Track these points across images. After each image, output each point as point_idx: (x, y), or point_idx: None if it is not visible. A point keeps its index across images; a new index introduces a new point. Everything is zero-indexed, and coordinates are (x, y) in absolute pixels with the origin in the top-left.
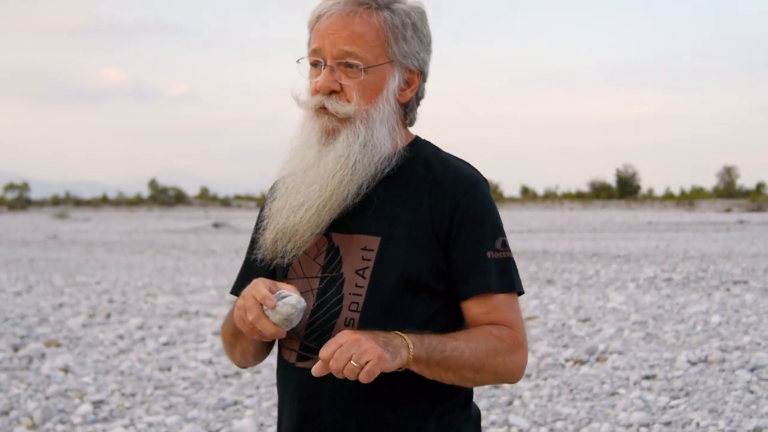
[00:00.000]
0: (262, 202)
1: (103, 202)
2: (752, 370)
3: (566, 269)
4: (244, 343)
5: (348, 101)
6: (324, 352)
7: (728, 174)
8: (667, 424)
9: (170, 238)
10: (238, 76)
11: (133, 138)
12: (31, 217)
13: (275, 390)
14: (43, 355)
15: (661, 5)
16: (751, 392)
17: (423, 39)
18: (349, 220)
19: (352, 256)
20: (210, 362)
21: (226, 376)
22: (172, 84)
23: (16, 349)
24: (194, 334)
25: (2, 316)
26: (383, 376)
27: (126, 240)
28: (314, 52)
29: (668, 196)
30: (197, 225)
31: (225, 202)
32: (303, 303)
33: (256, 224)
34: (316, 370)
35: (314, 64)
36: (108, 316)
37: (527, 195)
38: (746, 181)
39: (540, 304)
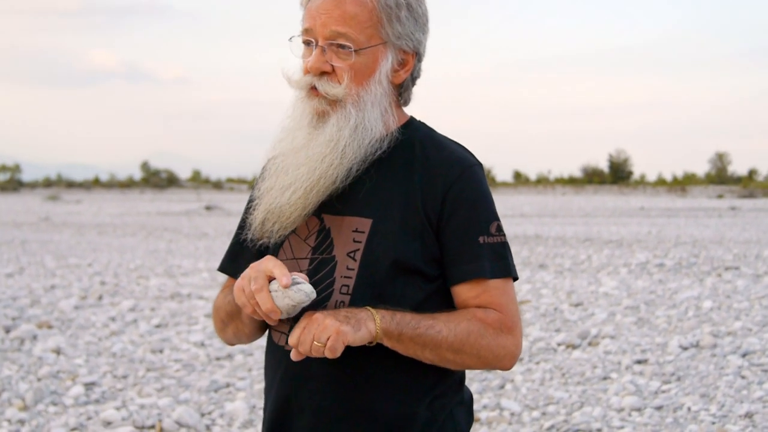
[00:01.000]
0: (253, 184)
1: (95, 184)
2: (744, 355)
3: (558, 254)
4: (239, 324)
5: (339, 83)
6: (291, 337)
7: (720, 160)
8: (659, 408)
9: (162, 221)
10: (230, 59)
11: (126, 120)
12: (23, 199)
13: None
14: (34, 337)
15: None
16: (743, 377)
17: (418, 19)
18: (340, 202)
19: (344, 238)
20: (202, 344)
21: (218, 359)
22: (164, 66)
23: (7, 330)
24: (186, 317)
25: None
26: (373, 361)
27: (118, 222)
28: (306, 32)
29: (660, 182)
30: (189, 207)
31: (217, 185)
32: (315, 295)
33: (247, 204)
34: (293, 355)
35: (307, 43)
36: (100, 298)
37: (520, 180)
38: (738, 167)
39: (532, 289)
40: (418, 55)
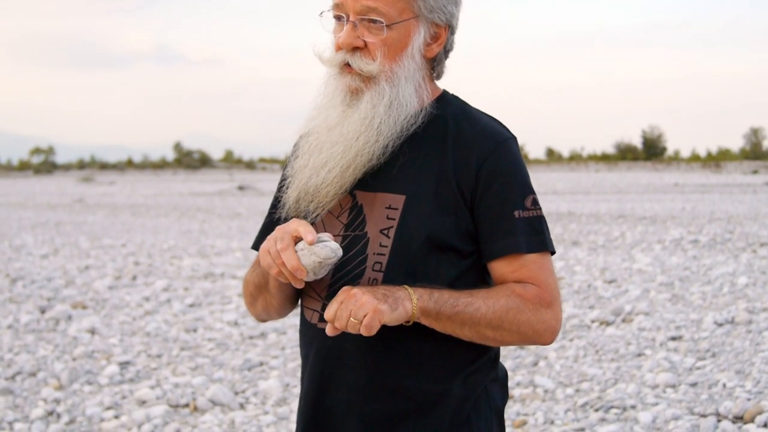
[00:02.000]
0: (285, 163)
1: (128, 165)
2: None
3: (592, 231)
4: (267, 296)
5: (372, 59)
6: (327, 312)
7: (755, 135)
8: (694, 384)
9: (195, 201)
10: (261, 38)
11: (158, 102)
12: (57, 181)
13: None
14: (69, 317)
15: None
16: None
17: None
18: (373, 178)
19: (376, 214)
20: (236, 323)
21: (251, 338)
22: (195, 47)
23: (43, 311)
24: (220, 296)
25: (29, 279)
26: (407, 338)
27: (151, 203)
28: (336, 7)
29: (694, 158)
30: (222, 188)
31: (250, 165)
32: (341, 252)
33: (280, 182)
34: (328, 330)
35: (338, 18)
36: (134, 278)
37: (553, 157)
38: None
39: (566, 266)
40: (450, 28)
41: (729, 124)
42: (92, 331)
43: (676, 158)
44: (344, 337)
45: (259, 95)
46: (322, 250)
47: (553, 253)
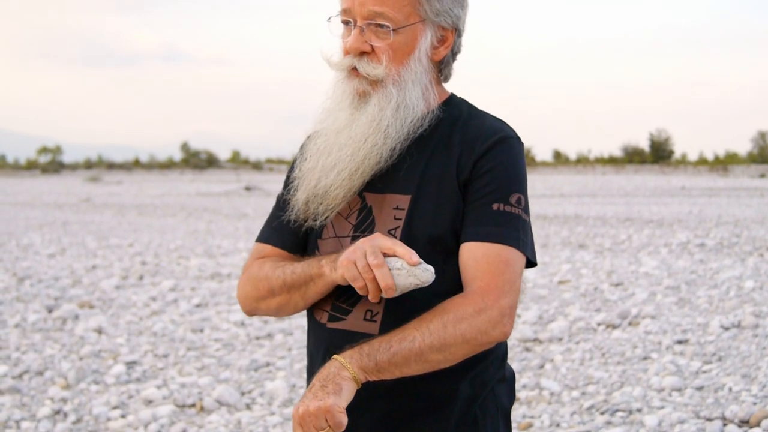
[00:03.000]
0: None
1: (135, 165)
2: None
3: (599, 234)
4: (297, 297)
5: (379, 63)
6: None
7: (762, 139)
8: (700, 388)
9: (202, 201)
10: (269, 39)
11: (165, 101)
12: (64, 181)
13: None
14: (76, 317)
15: None
16: None
17: None
18: (381, 180)
19: (384, 215)
20: (242, 324)
21: (258, 338)
22: (203, 47)
23: (50, 310)
24: (226, 296)
25: (36, 278)
26: None
27: (158, 203)
28: (344, 12)
29: (702, 161)
30: (229, 188)
31: (257, 166)
32: (434, 276)
33: (285, 182)
34: None
35: (345, 23)
36: (141, 278)
37: (559, 159)
38: None
39: (572, 269)
40: (457, 31)
41: (736, 128)
42: (99, 331)
43: (683, 161)
44: (354, 337)
45: (267, 96)
46: (423, 274)
47: (533, 263)
